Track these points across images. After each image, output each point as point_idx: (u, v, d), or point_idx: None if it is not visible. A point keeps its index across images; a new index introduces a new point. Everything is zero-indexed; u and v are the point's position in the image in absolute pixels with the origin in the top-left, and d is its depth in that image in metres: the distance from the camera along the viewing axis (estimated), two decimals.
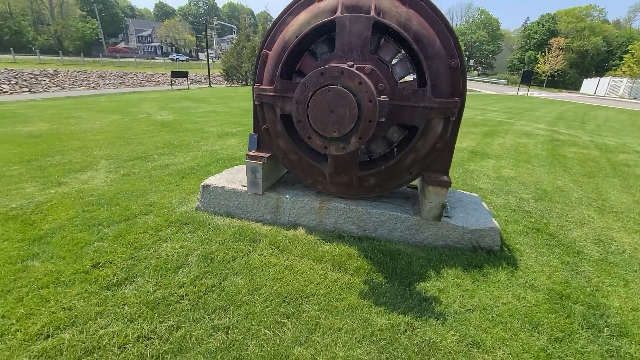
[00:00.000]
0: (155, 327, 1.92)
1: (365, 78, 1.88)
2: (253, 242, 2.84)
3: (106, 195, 3.62)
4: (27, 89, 24.05)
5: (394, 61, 2.69)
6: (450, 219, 2.85)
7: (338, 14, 2.36)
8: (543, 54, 48.51)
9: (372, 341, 1.93)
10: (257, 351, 1.82)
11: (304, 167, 2.92)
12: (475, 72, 74.74)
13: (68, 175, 4.22)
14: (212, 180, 3.29)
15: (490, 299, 2.33)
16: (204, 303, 2.13)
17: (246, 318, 2.04)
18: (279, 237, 2.91)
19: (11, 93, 21.01)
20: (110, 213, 3.23)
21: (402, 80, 2.73)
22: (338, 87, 1.89)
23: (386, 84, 2.43)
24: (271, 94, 2.62)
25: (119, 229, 2.94)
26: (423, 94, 2.41)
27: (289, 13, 2.60)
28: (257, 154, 2.96)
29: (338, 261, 2.63)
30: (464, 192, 3.61)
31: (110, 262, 2.48)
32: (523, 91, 29.51)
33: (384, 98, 2.35)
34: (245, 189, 3.13)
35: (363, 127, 1.97)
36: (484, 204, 3.28)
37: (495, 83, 41.10)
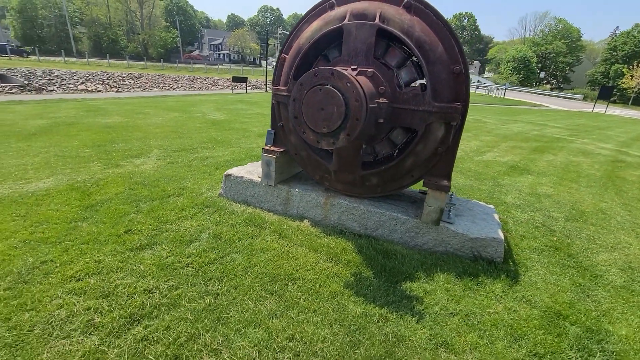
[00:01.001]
0: (159, 285, 2.26)
1: (353, 79, 2.03)
2: (260, 228, 3.11)
3: (150, 178, 4.19)
4: (115, 89, 27.72)
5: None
6: (451, 225, 2.83)
7: (346, 21, 2.55)
8: (631, 67, 42.74)
9: (342, 325, 2.05)
10: (236, 316, 2.05)
11: (312, 163, 3.13)
12: (548, 85, 68.38)
13: (125, 159, 4.93)
14: (234, 171, 3.65)
15: (477, 308, 2.29)
16: (204, 272, 2.44)
17: (235, 289, 2.29)
18: (284, 226, 3.14)
19: (104, 91, 24.54)
20: (149, 192, 3.75)
21: (413, 84, 2.82)
22: (328, 86, 2.08)
23: (387, 87, 2.55)
24: (285, 93, 2.89)
25: (152, 205, 3.42)
26: (423, 98, 2.48)
27: (305, 21, 2.85)
28: (272, 148, 3.24)
29: (332, 253, 2.77)
30: (479, 202, 3.50)
31: (139, 230, 2.92)
32: (600, 108, 26.34)
33: (382, 100, 2.49)
34: (260, 180, 3.43)
35: (350, 125, 2.12)
36: (495, 215, 3.17)
37: (569, 98, 37.16)
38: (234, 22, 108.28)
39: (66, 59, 39.08)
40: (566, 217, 3.86)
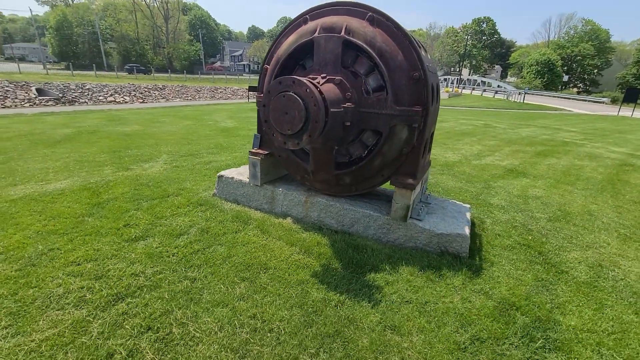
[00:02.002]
0: (145, 270, 2.56)
1: (311, 86, 2.28)
2: (245, 224, 3.38)
3: (155, 180, 4.58)
4: (141, 100, 29.27)
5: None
6: (419, 222, 2.99)
7: (316, 34, 2.82)
8: None
9: (301, 308, 2.27)
10: (207, 297, 2.31)
11: (293, 164, 3.38)
12: (575, 89, 65.81)
13: (136, 164, 5.37)
14: (226, 172, 3.95)
15: (434, 297, 2.44)
16: (186, 260, 2.72)
17: (211, 275, 2.55)
18: (267, 223, 3.40)
19: (130, 102, 26.03)
20: (151, 192, 4.11)
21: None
22: (290, 93, 2.33)
23: (354, 93, 2.78)
24: None
25: (152, 204, 3.77)
26: (385, 102, 2.69)
27: (283, 35, 3.13)
28: (257, 151, 3.52)
29: (306, 246, 2.99)
30: (457, 202, 3.62)
31: (136, 224, 3.26)
32: (627, 111, 25.15)
33: (348, 105, 2.72)
34: (249, 180, 3.70)
35: (311, 127, 2.36)
36: (467, 214, 3.29)
37: (596, 102, 35.65)
38: (254, 34, 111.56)
39: (97, 72, 41.62)
40: (549, 217, 3.89)
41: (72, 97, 26.19)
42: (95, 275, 2.48)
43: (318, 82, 2.76)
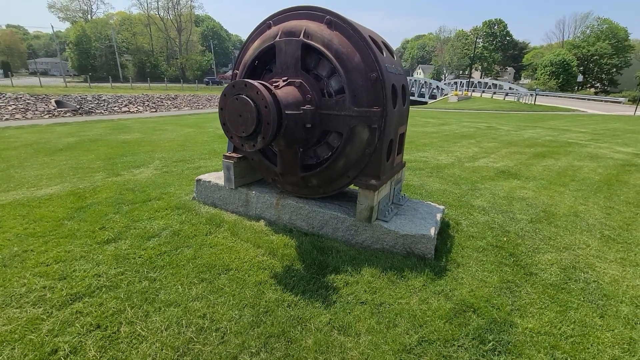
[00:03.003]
0: (109, 271, 2.62)
1: (262, 89, 2.31)
2: (217, 226, 3.42)
3: (141, 185, 4.70)
4: (154, 109, 30.12)
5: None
6: (385, 223, 2.96)
7: (277, 39, 2.86)
8: None
9: (252, 308, 2.27)
10: (163, 297, 2.34)
11: (264, 167, 3.42)
12: (592, 89, 63.94)
13: (127, 170, 5.52)
14: (205, 176, 4.02)
15: (391, 298, 2.41)
16: (150, 262, 2.77)
17: (172, 276, 2.60)
18: (238, 225, 3.43)
19: (144, 112, 26.87)
20: (134, 196, 4.22)
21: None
22: (243, 96, 2.37)
23: (314, 95, 2.80)
24: None
25: (133, 207, 3.86)
26: (343, 104, 2.71)
27: (250, 40, 3.20)
28: (231, 154, 3.57)
29: (273, 248, 3.01)
30: (431, 203, 3.57)
31: (111, 227, 3.35)
32: None
33: (308, 107, 2.74)
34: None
35: (264, 129, 2.39)
36: (438, 215, 3.24)
37: (613, 102, 34.51)
38: None
39: (113, 84, 43.13)
40: (531, 219, 3.78)
41: (89, 108, 27.22)
42: (60, 275, 2.55)
43: (277, 85, 2.80)
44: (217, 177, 3.99)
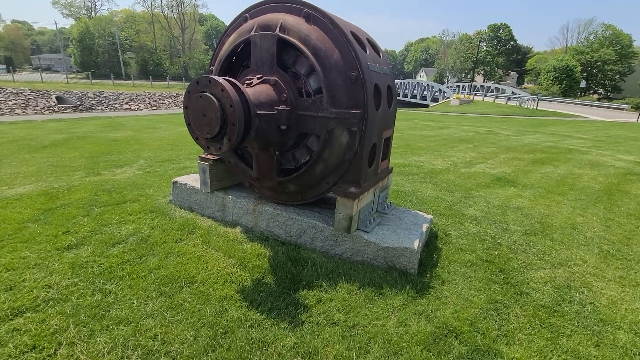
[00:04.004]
0: (61, 281, 2.41)
1: (227, 86, 2.10)
2: (189, 233, 3.21)
3: (119, 185, 4.49)
4: (155, 107, 29.99)
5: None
6: (365, 234, 2.74)
7: (252, 33, 2.65)
8: None
9: (211, 328, 2.06)
10: (113, 314, 2.13)
11: (240, 170, 3.21)
12: (595, 96, 63.50)
13: (108, 169, 5.32)
14: (181, 178, 3.81)
15: (365, 319, 2.19)
16: (109, 272, 2.56)
17: (129, 289, 2.38)
18: (212, 232, 3.21)
19: (145, 109, 26.80)
20: (109, 198, 4.01)
21: None
22: (207, 93, 2.16)
23: (290, 94, 2.59)
24: None
25: (104, 210, 3.65)
26: (321, 104, 2.49)
27: (226, 34, 2.99)
28: (207, 156, 3.36)
29: (244, 258, 2.79)
30: (419, 212, 3.35)
31: (76, 232, 3.14)
32: None
33: (283, 107, 2.53)
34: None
35: (229, 130, 2.17)
36: (425, 226, 3.01)
37: (616, 108, 34.18)
38: None
39: (115, 81, 43.04)
40: (525, 230, 3.56)
41: (90, 105, 27.12)
42: (8, 285, 2.34)
43: (250, 83, 2.59)
44: (194, 180, 3.77)
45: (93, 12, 77.18)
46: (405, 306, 2.31)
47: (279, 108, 2.51)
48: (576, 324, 2.20)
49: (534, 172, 6.18)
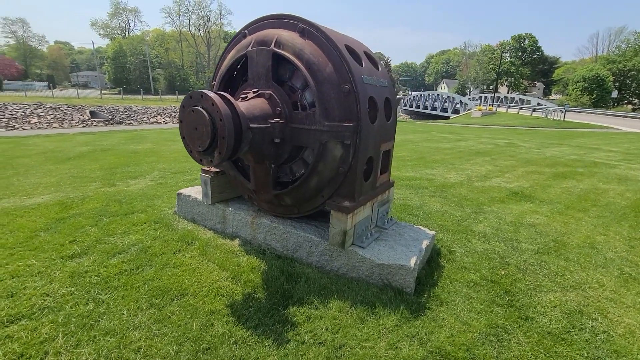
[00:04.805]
0: (59, 290, 2.47)
1: (217, 100, 2.13)
2: (188, 244, 3.24)
3: (130, 196, 4.63)
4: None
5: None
6: (360, 250, 2.66)
7: (249, 48, 2.71)
8: None
9: (194, 342, 2.03)
10: (102, 324, 2.15)
11: (239, 183, 3.22)
12: (630, 106, 60.23)
13: (123, 180, 5.52)
14: (186, 190, 3.88)
15: (354, 340, 2.10)
16: (105, 282, 2.60)
17: (122, 299, 2.41)
18: (211, 244, 3.23)
19: (171, 123, 27.95)
20: (119, 208, 4.14)
21: None
22: (199, 107, 2.20)
23: (284, 108, 2.60)
24: None
25: (112, 220, 3.77)
26: (313, 117, 2.48)
27: (227, 50, 3.06)
28: (209, 168, 3.41)
29: (238, 272, 2.77)
30: (420, 228, 3.22)
31: (81, 241, 3.24)
32: None
33: (276, 120, 2.54)
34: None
35: (220, 143, 2.19)
36: (425, 242, 2.89)
37: None
38: None
39: (144, 96, 45.33)
40: (538, 249, 3.34)
41: (120, 119, 28.64)
42: (10, 292, 2.43)
43: (245, 97, 2.63)
44: (197, 192, 3.83)
45: (127, 32, 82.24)
46: (397, 327, 2.20)
47: (273, 121, 2.52)
48: (585, 355, 2.01)
49: (554, 186, 5.86)
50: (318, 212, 2.99)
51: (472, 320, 2.29)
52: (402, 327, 2.20)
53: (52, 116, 25.33)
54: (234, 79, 3.11)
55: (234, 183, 3.34)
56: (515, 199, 5.05)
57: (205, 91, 2.18)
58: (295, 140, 2.62)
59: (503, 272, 2.87)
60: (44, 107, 26.89)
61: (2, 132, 15.85)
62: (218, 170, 3.40)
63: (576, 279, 2.83)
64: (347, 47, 2.58)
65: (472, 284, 2.70)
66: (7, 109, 24.26)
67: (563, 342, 2.11)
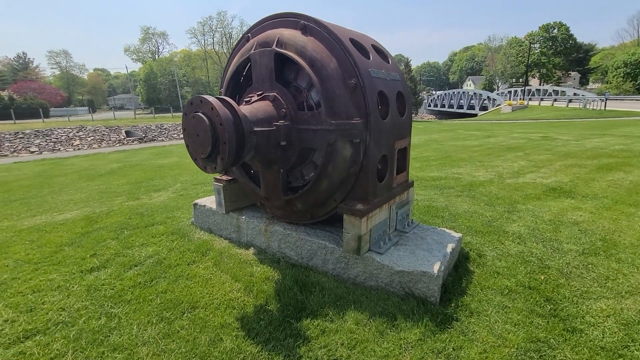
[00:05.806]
0: (74, 304, 2.48)
1: (216, 104, 2.05)
2: (202, 255, 3.18)
3: (151, 208, 4.71)
4: None
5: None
6: (378, 256, 2.47)
7: (252, 51, 2.63)
8: None
9: (201, 358, 1.93)
10: (113, 340, 2.11)
11: (250, 190, 3.14)
12: None
13: (147, 194, 5.65)
14: (201, 200, 3.86)
15: (374, 356, 1.91)
16: (119, 295, 2.58)
17: (134, 313, 2.36)
18: (225, 254, 3.15)
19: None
20: (140, 220, 4.20)
21: None
22: (199, 113, 2.13)
23: (289, 109, 2.49)
24: None
25: (132, 232, 3.81)
26: (319, 116, 2.34)
27: (232, 56, 3.01)
28: (220, 177, 3.37)
29: (250, 282, 2.66)
30: (445, 230, 2.96)
31: (101, 255, 3.28)
32: None
33: (281, 122, 2.43)
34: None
35: (222, 149, 2.11)
36: (451, 246, 2.64)
37: None
38: None
39: (174, 114, 47.51)
40: (583, 250, 2.96)
41: (152, 136, 30.13)
42: (29, 307, 2.46)
43: (249, 100, 2.54)
44: (212, 201, 3.80)
45: (157, 55, 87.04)
46: (421, 342, 1.98)
47: (278, 124, 2.41)
48: None
49: (599, 179, 5.31)
50: (333, 216, 2.83)
51: (508, 333, 2.01)
52: (426, 342, 1.98)
53: (92, 137, 27.13)
54: (240, 84, 3.04)
55: (246, 190, 3.27)
56: (553, 195, 4.60)
57: (204, 96, 2.11)
58: (303, 142, 2.50)
59: (543, 277, 2.55)
60: (84, 129, 28.87)
61: (47, 155, 17.09)
62: (230, 178, 3.34)
63: (632, 283, 2.45)
64: (352, 41, 2.44)
65: (507, 291, 2.41)
66: (53, 134, 26.28)
67: (621, 359, 1.79)
